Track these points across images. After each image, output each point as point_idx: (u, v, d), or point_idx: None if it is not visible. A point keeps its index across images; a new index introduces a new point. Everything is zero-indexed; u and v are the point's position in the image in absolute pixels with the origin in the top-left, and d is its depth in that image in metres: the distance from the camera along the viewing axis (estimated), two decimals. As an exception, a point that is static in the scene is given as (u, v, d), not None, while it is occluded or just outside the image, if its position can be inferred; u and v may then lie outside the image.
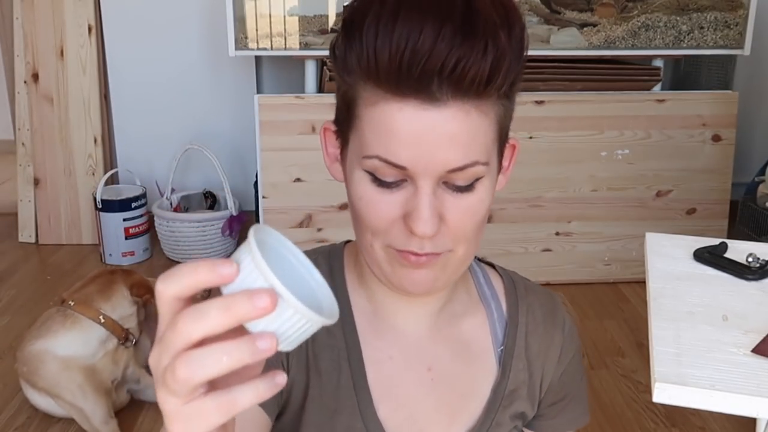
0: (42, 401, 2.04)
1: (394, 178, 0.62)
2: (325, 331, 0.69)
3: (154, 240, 3.23)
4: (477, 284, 0.81)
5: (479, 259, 0.84)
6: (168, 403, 0.41)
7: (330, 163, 0.73)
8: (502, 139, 0.67)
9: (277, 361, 0.72)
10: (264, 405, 0.69)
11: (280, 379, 0.42)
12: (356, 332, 0.75)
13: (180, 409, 0.41)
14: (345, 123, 0.66)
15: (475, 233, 0.66)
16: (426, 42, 0.56)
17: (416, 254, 0.63)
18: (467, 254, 0.67)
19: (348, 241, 0.81)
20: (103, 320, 2.01)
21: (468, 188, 0.63)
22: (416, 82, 0.57)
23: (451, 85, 0.58)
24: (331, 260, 0.79)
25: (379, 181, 0.63)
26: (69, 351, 1.97)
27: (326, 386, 0.74)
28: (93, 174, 3.28)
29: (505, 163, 0.71)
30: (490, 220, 2.49)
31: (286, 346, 0.44)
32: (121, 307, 2.06)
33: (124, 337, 2.05)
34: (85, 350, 1.99)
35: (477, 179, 0.63)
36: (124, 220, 3.10)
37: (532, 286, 0.84)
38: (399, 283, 0.67)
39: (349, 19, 0.61)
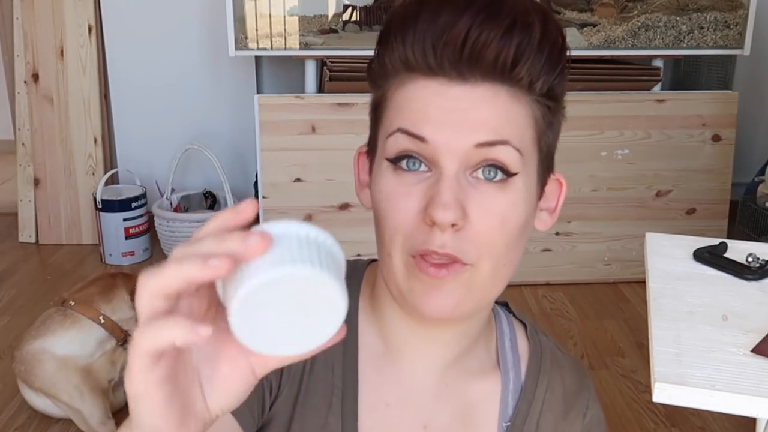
0: (39, 401, 2.04)
1: (416, 161, 0.59)
2: (322, 364, 0.65)
3: (155, 240, 3.23)
4: (501, 346, 0.74)
5: (515, 316, 0.78)
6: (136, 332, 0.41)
7: (360, 189, 0.69)
8: (543, 150, 0.63)
9: (266, 386, 0.67)
10: (242, 424, 0.64)
11: (204, 330, 0.39)
12: (357, 370, 0.69)
13: (140, 328, 0.41)
14: (373, 130, 0.65)
15: (504, 248, 0.59)
16: (449, 18, 0.56)
17: (436, 264, 0.58)
18: (495, 275, 0.60)
19: (372, 261, 0.74)
20: (103, 321, 2.01)
21: (498, 182, 0.59)
22: (441, 57, 0.57)
23: (475, 63, 0.57)
24: (348, 281, 0.73)
25: (401, 171, 0.59)
26: (67, 350, 1.97)
27: (311, 422, 0.67)
28: (93, 174, 3.28)
29: (550, 203, 0.67)
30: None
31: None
32: (121, 310, 2.07)
33: (122, 338, 2.05)
34: (82, 350, 1.99)
35: (510, 174, 0.59)
36: (124, 220, 3.10)
37: (562, 359, 0.75)
38: (415, 303, 0.60)
39: (383, 32, 0.62)
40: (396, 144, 0.59)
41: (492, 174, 0.58)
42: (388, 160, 0.60)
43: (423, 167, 0.59)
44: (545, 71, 0.59)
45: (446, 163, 0.57)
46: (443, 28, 0.57)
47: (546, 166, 0.65)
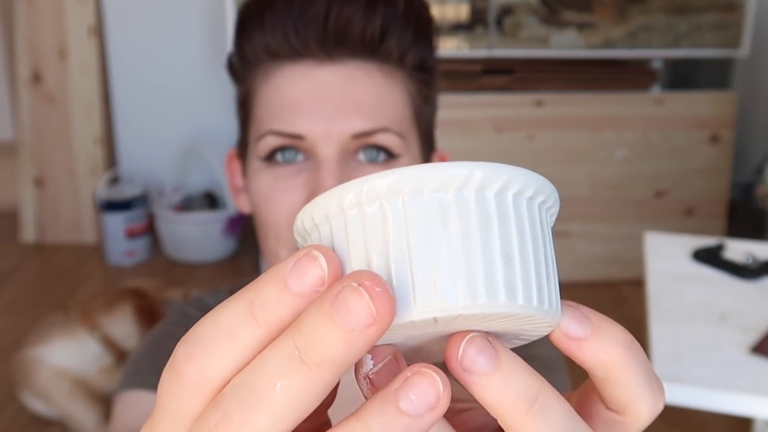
0: (37, 405, 2.03)
1: (293, 156, 0.56)
2: None
3: (155, 240, 3.24)
4: None
5: None
6: None
7: (235, 195, 0.66)
8: (423, 128, 0.61)
9: None
10: None
11: None
12: None
13: None
14: (243, 130, 0.61)
15: None
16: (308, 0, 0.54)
17: None
18: None
19: None
20: (98, 336, 1.99)
21: (382, 163, 0.56)
22: (304, 37, 0.54)
23: (341, 39, 0.54)
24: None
25: (276, 165, 0.56)
26: (61, 361, 1.97)
27: None
28: (94, 174, 3.29)
29: None
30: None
31: None
32: (121, 325, 2.03)
33: (118, 356, 2.02)
34: (77, 363, 1.97)
35: (392, 156, 0.56)
36: (125, 220, 3.11)
37: None
38: None
39: (239, 22, 0.59)
40: (267, 145, 0.56)
41: (374, 155, 0.56)
42: (261, 159, 0.57)
43: (300, 157, 0.56)
44: (415, 43, 0.57)
45: (325, 151, 0.55)
46: (302, 7, 0.54)
47: (427, 144, 0.63)
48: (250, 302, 0.22)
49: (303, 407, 0.22)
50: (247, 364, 0.22)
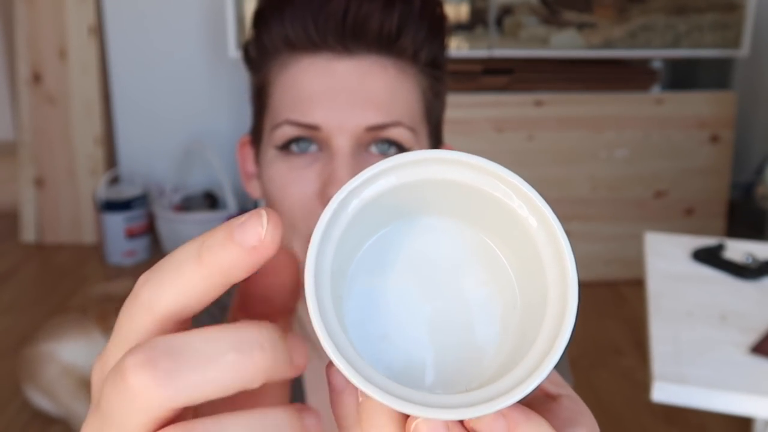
0: (40, 400, 2.04)
1: (307, 146, 0.57)
2: None
3: (155, 240, 3.24)
4: None
5: None
6: None
7: (247, 181, 0.67)
8: (432, 123, 0.62)
9: None
10: None
11: (311, 421, 0.25)
12: None
13: None
14: (258, 118, 0.63)
15: None
16: None
17: None
18: None
19: None
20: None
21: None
22: (323, 30, 0.56)
23: (359, 34, 0.56)
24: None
25: (291, 155, 0.58)
26: (71, 358, 1.98)
27: None
28: (94, 174, 3.29)
29: None
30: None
31: None
32: None
33: None
34: (87, 361, 1.99)
35: (403, 150, 0.58)
36: (126, 220, 3.11)
37: None
38: None
39: (258, 12, 0.61)
40: (284, 134, 0.58)
41: (386, 148, 0.58)
42: (277, 147, 0.59)
43: (314, 147, 0.58)
44: (428, 40, 0.59)
45: (339, 142, 0.56)
46: (322, 1, 0.56)
47: (436, 139, 0.64)
48: (200, 243, 0.24)
49: (230, 387, 0.23)
50: (190, 297, 0.25)
